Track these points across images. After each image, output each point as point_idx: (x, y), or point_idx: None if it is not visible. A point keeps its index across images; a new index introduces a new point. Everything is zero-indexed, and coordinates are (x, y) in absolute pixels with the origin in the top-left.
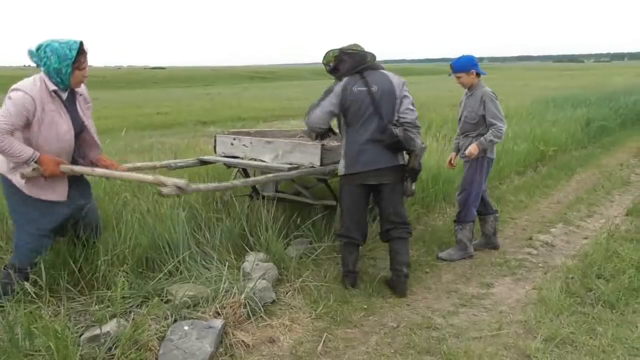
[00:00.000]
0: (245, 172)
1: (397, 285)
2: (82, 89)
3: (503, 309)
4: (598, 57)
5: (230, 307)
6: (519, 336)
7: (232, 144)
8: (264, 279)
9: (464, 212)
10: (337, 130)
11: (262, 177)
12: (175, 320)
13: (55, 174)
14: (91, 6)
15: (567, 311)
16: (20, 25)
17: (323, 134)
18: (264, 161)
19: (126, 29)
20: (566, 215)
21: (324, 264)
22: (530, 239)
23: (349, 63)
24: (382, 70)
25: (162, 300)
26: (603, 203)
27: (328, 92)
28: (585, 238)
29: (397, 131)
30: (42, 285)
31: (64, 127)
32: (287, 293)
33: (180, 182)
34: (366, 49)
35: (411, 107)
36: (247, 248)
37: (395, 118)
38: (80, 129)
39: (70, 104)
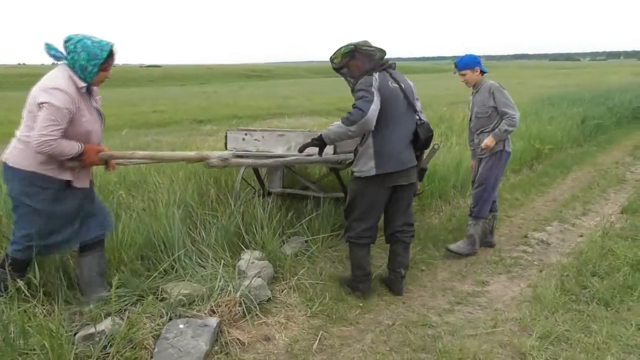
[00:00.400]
0: (254, 169)
1: (394, 284)
2: None
3: (498, 307)
4: (594, 56)
5: (226, 305)
6: (514, 334)
7: (243, 139)
8: (259, 277)
9: (478, 207)
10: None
11: (292, 158)
12: (170, 319)
13: (95, 163)
14: (86, 4)
15: (562, 309)
16: (13, 23)
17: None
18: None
19: (122, 26)
20: (561, 213)
21: (319, 262)
22: (526, 236)
23: (372, 60)
24: (397, 71)
25: (157, 298)
26: (598, 201)
27: (369, 86)
28: (581, 236)
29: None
30: (37, 284)
31: (92, 122)
32: (282, 291)
33: (225, 153)
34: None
35: (421, 109)
36: (242, 246)
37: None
38: (100, 123)
39: (91, 99)
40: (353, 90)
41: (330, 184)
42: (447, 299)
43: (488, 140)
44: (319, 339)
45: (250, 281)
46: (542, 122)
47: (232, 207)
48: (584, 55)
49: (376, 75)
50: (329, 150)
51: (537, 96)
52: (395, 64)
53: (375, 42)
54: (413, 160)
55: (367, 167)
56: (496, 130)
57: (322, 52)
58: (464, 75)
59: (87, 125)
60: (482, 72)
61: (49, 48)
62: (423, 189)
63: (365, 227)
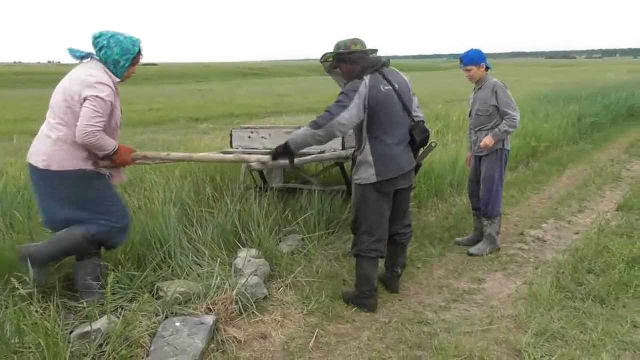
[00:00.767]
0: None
1: (391, 282)
2: None
3: (494, 304)
4: (590, 54)
5: (222, 303)
6: (510, 331)
7: (249, 137)
8: (255, 275)
9: (490, 207)
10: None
11: (310, 157)
12: (166, 317)
13: (127, 162)
14: (83, 1)
15: (558, 306)
16: (9, 22)
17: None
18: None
19: (118, 25)
20: (557, 210)
21: (315, 260)
22: (522, 234)
23: (364, 62)
24: (392, 67)
25: (153, 296)
26: (594, 198)
27: (351, 92)
28: (576, 233)
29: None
30: (31, 282)
31: (119, 119)
32: (278, 289)
33: (264, 157)
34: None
35: (418, 105)
36: (239, 244)
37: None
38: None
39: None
40: None
41: (330, 178)
42: (443, 297)
43: (487, 140)
44: (315, 337)
45: (247, 279)
46: (538, 119)
47: (229, 204)
48: (580, 53)
49: (367, 78)
50: (336, 145)
51: (533, 94)
52: (389, 61)
53: (372, 40)
54: (412, 163)
55: (367, 174)
56: (496, 130)
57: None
58: (469, 70)
59: (117, 121)
60: (487, 68)
61: (73, 52)
62: (418, 186)
63: (374, 239)
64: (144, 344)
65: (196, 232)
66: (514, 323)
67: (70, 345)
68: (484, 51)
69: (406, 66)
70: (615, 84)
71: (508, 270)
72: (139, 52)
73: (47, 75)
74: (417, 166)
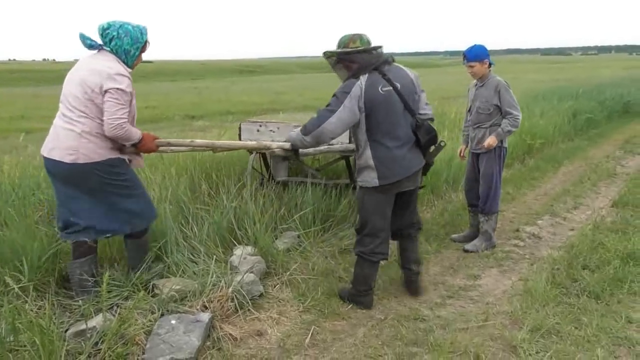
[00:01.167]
0: (263, 158)
1: (409, 284)
2: None
3: (490, 300)
4: (585, 50)
5: (218, 300)
6: (505, 327)
7: (258, 131)
8: (251, 272)
9: (488, 204)
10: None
11: (324, 147)
12: (162, 315)
13: (152, 150)
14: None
15: (553, 302)
16: (2, 19)
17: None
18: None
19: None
20: (553, 207)
21: (311, 257)
22: (517, 230)
23: (363, 62)
24: (396, 64)
25: (149, 294)
26: (589, 195)
27: (342, 95)
28: (572, 229)
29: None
30: (26, 280)
31: (135, 106)
32: (275, 286)
33: (285, 144)
34: (369, 37)
35: (427, 101)
36: (234, 242)
37: (419, 117)
38: None
39: None
40: None
41: (333, 171)
42: (439, 293)
43: (491, 140)
44: (311, 334)
45: (243, 277)
46: (534, 116)
47: (225, 202)
48: (576, 49)
49: (363, 79)
50: (344, 138)
51: (529, 91)
52: (392, 58)
53: (368, 37)
54: (419, 163)
55: (369, 177)
56: (499, 130)
57: (315, 47)
58: (472, 67)
59: (134, 111)
60: (490, 65)
61: (84, 38)
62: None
63: (378, 242)
64: (140, 342)
65: (192, 230)
66: (509, 319)
67: (66, 343)
68: None
69: (402, 63)
70: (611, 81)
71: (503, 266)
72: (147, 40)
73: (42, 73)
74: (427, 165)
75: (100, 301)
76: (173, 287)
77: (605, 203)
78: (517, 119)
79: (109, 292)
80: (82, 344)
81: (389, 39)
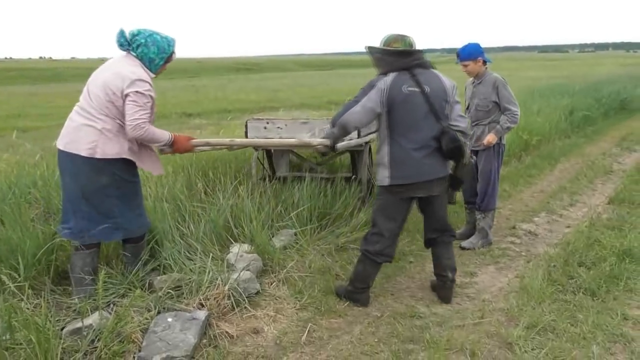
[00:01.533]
0: (267, 153)
1: (441, 291)
2: None
3: (486, 298)
4: (582, 47)
5: (214, 298)
6: (501, 324)
7: (265, 128)
8: (248, 270)
9: (485, 201)
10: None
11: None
12: (158, 312)
13: (188, 149)
14: None
15: (549, 299)
16: None
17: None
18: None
19: (108, 21)
20: (549, 204)
21: (308, 255)
22: (514, 228)
23: (395, 61)
24: (433, 70)
25: (145, 291)
26: (586, 192)
27: (368, 87)
28: (568, 227)
29: (458, 136)
30: (23, 279)
31: (154, 111)
32: (271, 284)
33: (325, 141)
34: (413, 41)
35: (462, 114)
36: (231, 240)
37: (446, 124)
38: None
39: None
40: None
41: (334, 166)
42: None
43: (490, 138)
44: (308, 331)
45: (239, 274)
46: (531, 114)
47: (221, 200)
48: (573, 47)
49: (391, 76)
50: (354, 134)
51: (526, 88)
52: (429, 62)
53: (363, 35)
54: (438, 172)
55: (381, 176)
56: (498, 127)
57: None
58: (466, 66)
59: (153, 115)
60: (485, 62)
61: (121, 35)
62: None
63: (385, 244)
64: (136, 340)
65: (188, 228)
66: (505, 316)
67: (62, 341)
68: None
69: None
70: (608, 78)
71: (500, 264)
72: (173, 52)
73: (39, 72)
74: (461, 182)
75: (97, 299)
76: (170, 285)
77: (601, 200)
78: (516, 114)
79: (105, 290)
80: (79, 341)
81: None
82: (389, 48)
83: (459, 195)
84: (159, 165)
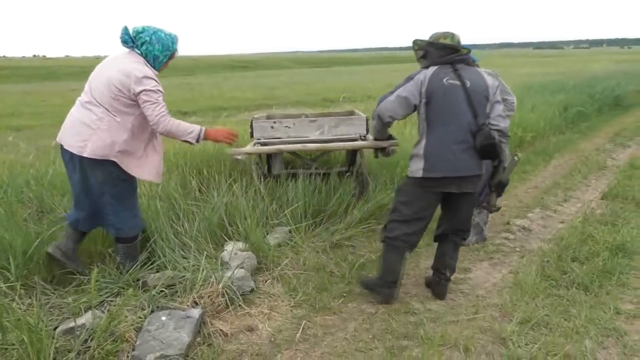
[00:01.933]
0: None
1: (437, 287)
2: None
3: (480, 293)
4: (577, 44)
5: (209, 296)
6: (495, 319)
7: (272, 127)
8: (242, 267)
9: (482, 196)
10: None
11: (365, 142)
12: (152, 311)
13: (227, 138)
14: None
15: (543, 294)
16: None
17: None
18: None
19: (103, 19)
20: (543, 200)
21: (303, 252)
22: (508, 223)
23: (438, 54)
24: (477, 68)
25: (139, 290)
26: (579, 187)
27: (407, 79)
28: (562, 222)
29: (494, 134)
30: (15, 278)
31: None
32: (266, 281)
33: (395, 141)
34: (461, 39)
35: (503, 114)
36: (225, 237)
37: (485, 123)
38: None
39: None
40: None
41: (328, 161)
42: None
43: None
44: (302, 329)
45: (233, 272)
46: (525, 110)
47: (215, 198)
48: (568, 43)
49: (432, 69)
50: (362, 132)
51: (520, 84)
52: (473, 61)
53: (359, 32)
54: (472, 168)
55: (415, 167)
56: None
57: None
58: None
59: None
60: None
61: (125, 32)
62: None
63: (406, 231)
64: (130, 339)
65: (183, 226)
66: (499, 312)
67: (55, 341)
68: (473, 42)
69: (394, 58)
70: (602, 74)
71: (494, 259)
72: (176, 49)
73: (33, 70)
74: (503, 185)
75: (90, 298)
76: (163, 284)
77: (595, 195)
78: (513, 103)
79: (99, 289)
80: (72, 341)
81: (381, 34)
82: (436, 42)
83: None
84: (154, 173)
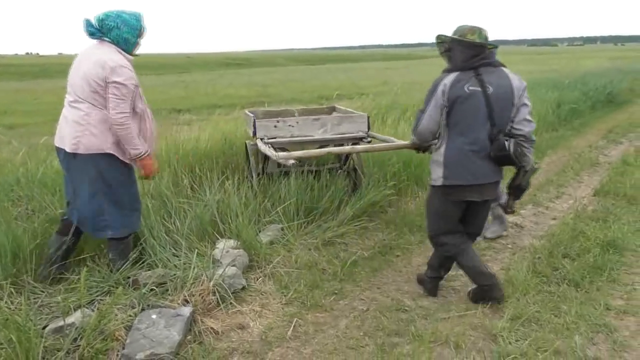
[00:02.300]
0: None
1: (429, 284)
2: None
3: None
4: (571, 41)
5: (199, 294)
6: (486, 316)
7: (275, 127)
8: (233, 265)
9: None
10: None
11: (384, 145)
12: (142, 309)
13: (149, 171)
14: None
15: (534, 290)
16: None
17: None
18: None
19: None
20: (536, 196)
21: (295, 250)
22: None
23: (462, 56)
24: (503, 69)
25: (129, 289)
26: (572, 184)
27: (430, 94)
28: (554, 219)
29: (509, 144)
30: (3, 277)
31: (143, 100)
32: (257, 279)
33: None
34: (488, 34)
35: (529, 117)
36: (217, 235)
37: (508, 128)
38: None
39: None
40: None
41: (324, 158)
42: None
43: None
44: (294, 326)
45: (224, 270)
46: None
47: (207, 196)
48: (562, 40)
49: (451, 76)
50: (364, 129)
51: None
52: (496, 60)
53: (354, 30)
54: (491, 176)
55: (436, 175)
56: None
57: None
58: None
59: (143, 101)
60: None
61: (89, 25)
62: (398, 175)
63: (451, 239)
64: (120, 337)
65: (174, 224)
66: (490, 308)
67: (44, 340)
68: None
69: (389, 55)
70: (596, 71)
71: (486, 256)
72: (143, 26)
73: (26, 68)
74: (522, 189)
75: (80, 297)
76: (154, 281)
77: (587, 192)
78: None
79: (88, 288)
80: (61, 340)
81: (375, 32)
82: (462, 39)
83: None
84: (152, 145)
